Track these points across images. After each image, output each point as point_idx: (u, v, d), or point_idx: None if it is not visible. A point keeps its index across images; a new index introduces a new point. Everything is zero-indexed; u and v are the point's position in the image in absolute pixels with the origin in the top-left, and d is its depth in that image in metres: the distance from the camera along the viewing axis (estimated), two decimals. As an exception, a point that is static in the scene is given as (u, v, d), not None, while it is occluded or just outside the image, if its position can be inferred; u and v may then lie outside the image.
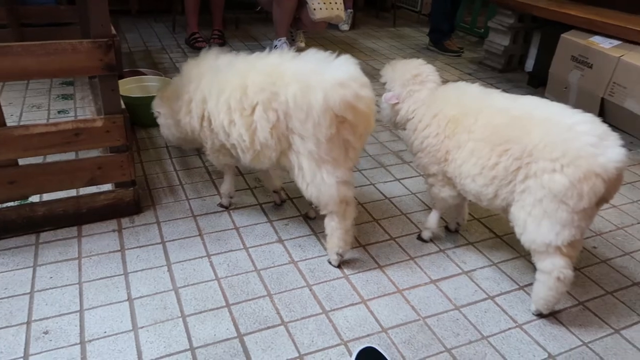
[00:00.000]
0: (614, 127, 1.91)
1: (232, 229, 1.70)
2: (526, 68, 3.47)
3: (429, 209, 1.81)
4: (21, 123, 2.29)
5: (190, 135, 1.63)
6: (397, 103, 1.58)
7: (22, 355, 1.21)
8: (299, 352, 1.26)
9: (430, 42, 3.97)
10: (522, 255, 1.64)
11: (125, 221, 1.70)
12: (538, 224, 1.28)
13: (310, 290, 1.46)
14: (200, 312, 1.36)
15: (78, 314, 1.33)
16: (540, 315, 1.41)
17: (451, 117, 1.44)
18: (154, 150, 2.18)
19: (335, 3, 3.17)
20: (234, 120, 1.42)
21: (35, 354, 1.21)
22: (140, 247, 1.59)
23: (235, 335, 1.30)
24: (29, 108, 2.45)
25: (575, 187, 1.19)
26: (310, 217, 1.77)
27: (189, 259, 1.55)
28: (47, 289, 1.40)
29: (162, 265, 1.52)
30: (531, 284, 1.43)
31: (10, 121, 2.28)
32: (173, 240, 1.63)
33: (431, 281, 1.53)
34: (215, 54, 1.56)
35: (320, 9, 3.13)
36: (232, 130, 1.44)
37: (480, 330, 1.36)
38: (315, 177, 1.39)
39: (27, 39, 2.51)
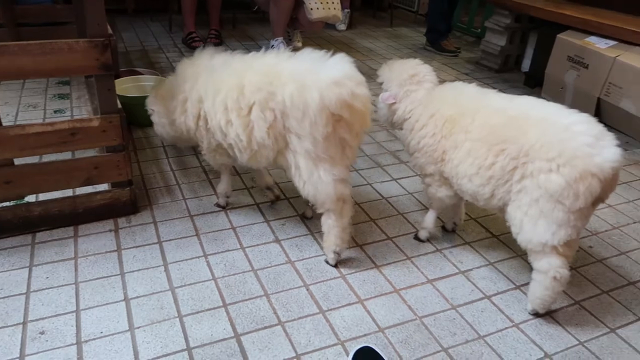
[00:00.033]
0: (610, 127, 1.92)
1: (229, 228, 1.70)
2: (523, 68, 3.48)
3: (425, 208, 1.81)
4: (17, 123, 2.28)
5: (186, 135, 1.63)
6: (394, 103, 1.58)
7: (18, 355, 1.20)
8: (296, 352, 1.26)
9: (427, 42, 3.97)
10: (519, 254, 1.65)
11: (121, 221, 1.69)
12: (534, 224, 1.28)
13: (307, 290, 1.46)
14: (197, 312, 1.36)
15: (74, 314, 1.33)
16: (536, 314, 1.42)
17: (448, 117, 1.44)
18: (151, 150, 2.18)
19: (332, 3, 3.17)
20: (231, 120, 1.42)
21: (32, 354, 1.21)
22: (137, 247, 1.59)
23: (232, 335, 1.30)
24: (25, 107, 2.45)
25: (571, 187, 1.20)
26: (307, 217, 1.77)
27: (186, 259, 1.55)
28: (43, 289, 1.40)
29: (159, 265, 1.52)
30: (527, 284, 1.44)
31: (6, 121, 2.27)
32: (170, 240, 1.63)
33: (428, 281, 1.53)
34: (210, 54, 1.56)
35: (317, 8, 3.12)
36: (229, 130, 1.44)
37: (477, 330, 1.36)
38: (312, 175, 1.40)
39: (23, 38, 2.50)
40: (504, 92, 1.48)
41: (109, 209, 1.68)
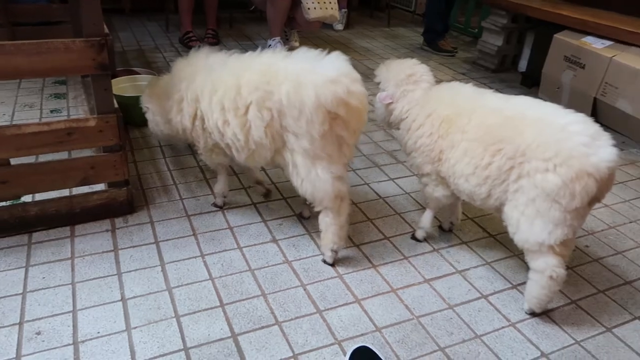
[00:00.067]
0: (606, 126, 1.93)
1: (226, 228, 1.70)
2: (519, 68, 3.49)
3: (422, 208, 1.81)
4: (13, 122, 2.28)
5: (182, 135, 1.63)
6: (391, 103, 1.58)
7: (15, 356, 1.20)
8: (293, 351, 1.26)
9: (425, 42, 3.97)
10: (516, 254, 1.65)
11: (118, 221, 1.69)
12: (531, 223, 1.29)
13: (305, 289, 1.46)
14: (194, 312, 1.36)
15: (71, 314, 1.32)
16: (533, 314, 1.42)
17: (445, 117, 1.44)
18: (148, 150, 2.17)
19: (330, 2, 3.17)
20: (228, 120, 1.42)
21: (28, 354, 1.20)
22: (134, 247, 1.58)
23: (230, 335, 1.30)
24: (21, 107, 2.44)
25: (567, 187, 1.20)
26: (304, 217, 1.77)
27: (183, 259, 1.55)
28: (39, 289, 1.39)
29: (156, 265, 1.51)
30: (524, 283, 1.44)
31: (2, 120, 2.27)
32: (167, 240, 1.63)
33: (425, 280, 1.53)
34: (206, 53, 1.56)
35: (315, 8, 3.12)
36: (227, 130, 1.44)
37: (474, 329, 1.36)
38: (309, 173, 1.40)
39: (19, 37, 2.49)
40: (500, 92, 1.48)
41: (106, 209, 1.68)
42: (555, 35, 2.84)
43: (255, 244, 1.63)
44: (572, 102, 2.75)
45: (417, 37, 4.27)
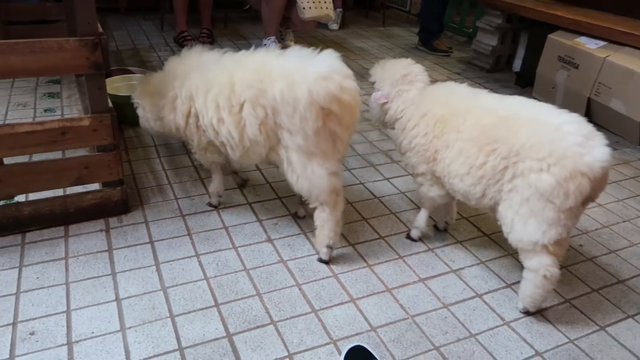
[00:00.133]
0: (600, 126, 1.94)
1: (221, 228, 1.70)
2: (514, 68, 3.50)
3: (417, 208, 1.82)
4: (6, 122, 2.26)
5: (175, 133, 1.63)
6: (386, 102, 1.58)
7: (8, 356, 1.19)
8: (288, 351, 1.26)
9: (420, 42, 3.98)
10: (510, 253, 1.66)
11: (113, 221, 1.68)
12: (525, 223, 1.29)
13: (300, 289, 1.46)
14: (189, 312, 1.35)
15: (65, 314, 1.32)
16: (527, 312, 1.43)
17: (440, 116, 1.45)
18: (142, 149, 2.17)
19: (325, 2, 3.17)
20: (223, 118, 1.43)
21: (22, 355, 1.20)
22: (128, 246, 1.58)
23: (225, 334, 1.29)
24: (15, 106, 2.42)
25: (561, 186, 1.21)
26: (299, 216, 1.77)
27: (178, 259, 1.54)
28: (33, 290, 1.39)
29: (151, 265, 1.51)
30: (518, 282, 1.45)
31: (-5, 120, 2.26)
32: (161, 239, 1.62)
33: (420, 280, 1.53)
34: (199, 51, 1.57)
35: (310, 8, 3.12)
36: (221, 128, 1.44)
37: (469, 328, 1.37)
38: (305, 169, 1.41)
39: (12, 36, 2.48)
40: (495, 91, 1.49)
41: (100, 209, 1.67)
42: (549, 36, 2.86)
43: (250, 244, 1.63)
44: (566, 102, 2.76)
45: (412, 36, 4.28)
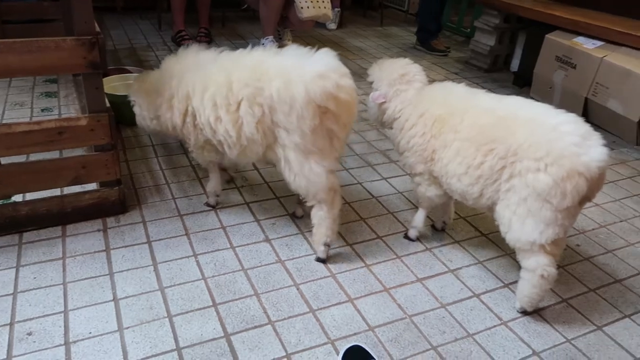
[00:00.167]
0: (597, 126, 1.95)
1: (218, 228, 1.70)
2: (511, 68, 3.50)
3: (415, 207, 1.82)
4: (3, 121, 2.26)
5: (172, 132, 1.63)
6: (384, 102, 1.58)
7: (5, 356, 1.19)
8: (286, 351, 1.26)
9: (417, 42, 3.98)
10: (507, 253, 1.66)
11: (110, 221, 1.68)
12: (522, 223, 1.29)
13: (298, 289, 1.46)
14: (187, 312, 1.35)
15: (62, 314, 1.31)
16: (524, 312, 1.43)
17: (437, 116, 1.45)
18: (140, 149, 2.16)
19: (323, 2, 3.17)
20: (220, 117, 1.43)
21: (19, 355, 1.19)
22: (126, 246, 1.57)
23: (222, 335, 1.29)
24: (12, 106, 2.42)
25: (558, 186, 1.21)
26: (297, 216, 1.77)
27: (175, 259, 1.54)
28: (30, 290, 1.38)
29: (148, 265, 1.51)
30: (516, 282, 1.45)
31: (-8, 119, 2.25)
32: (159, 239, 1.62)
33: (417, 279, 1.54)
34: (196, 51, 1.57)
35: (308, 7, 3.12)
36: (219, 127, 1.45)
37: (466, 328, 1.37)
38: (303, 167, 1.41)
39: (9, 36, 2.47)
40: (493, 91, 1.49)
41: (98, 209, 1.67)
42: (546, 36, 2.86)
43: (248, 244, 1.63)
44: (564, 102, 2.77)
45: (410, 36, 4.29)
